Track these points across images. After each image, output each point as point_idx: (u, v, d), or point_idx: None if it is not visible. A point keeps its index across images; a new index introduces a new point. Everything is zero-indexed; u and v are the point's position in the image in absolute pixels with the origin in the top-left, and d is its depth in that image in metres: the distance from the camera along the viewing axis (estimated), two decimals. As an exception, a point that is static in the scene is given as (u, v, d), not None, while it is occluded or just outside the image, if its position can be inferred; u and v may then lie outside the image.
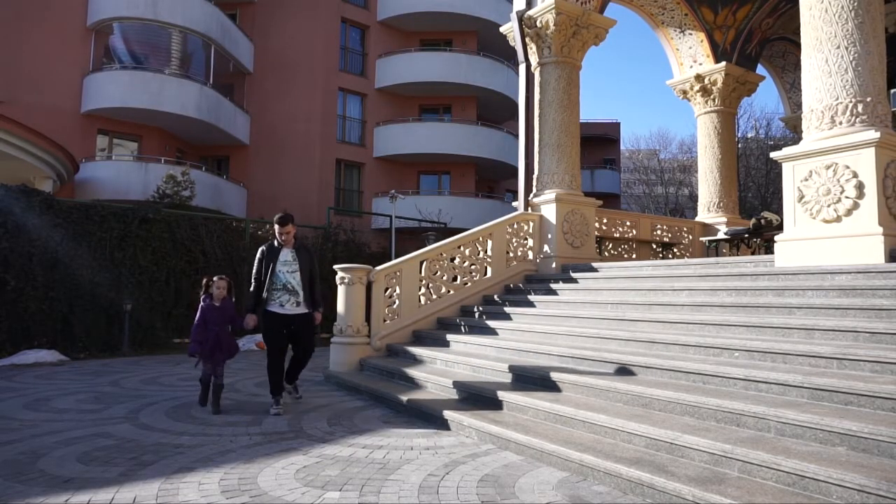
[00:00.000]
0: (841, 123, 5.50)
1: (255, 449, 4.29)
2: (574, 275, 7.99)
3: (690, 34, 11.31)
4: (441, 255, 8.22)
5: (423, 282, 8.04)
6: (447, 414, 4.95)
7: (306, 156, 21.48)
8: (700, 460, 3.39)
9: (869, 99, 5.43)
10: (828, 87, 5.59)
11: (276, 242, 5.65)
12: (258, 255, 5.67)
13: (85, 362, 9.30)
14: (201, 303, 5.59)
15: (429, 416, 5.17)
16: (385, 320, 7.70)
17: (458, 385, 5.56)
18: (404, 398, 5.59)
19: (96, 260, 10.40)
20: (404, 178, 23.53)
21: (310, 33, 21.95)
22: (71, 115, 17.86)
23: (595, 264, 8.17)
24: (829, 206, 5.53)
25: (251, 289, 5.67)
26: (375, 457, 4.09)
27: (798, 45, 6.01)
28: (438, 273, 8.17)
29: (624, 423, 3.87)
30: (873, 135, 5.24)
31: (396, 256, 9.93)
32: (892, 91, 8.60)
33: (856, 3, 5.48)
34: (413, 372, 6.27)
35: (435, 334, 7.52)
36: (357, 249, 14.81)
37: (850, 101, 5.47)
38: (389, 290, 7.78)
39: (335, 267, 7.69)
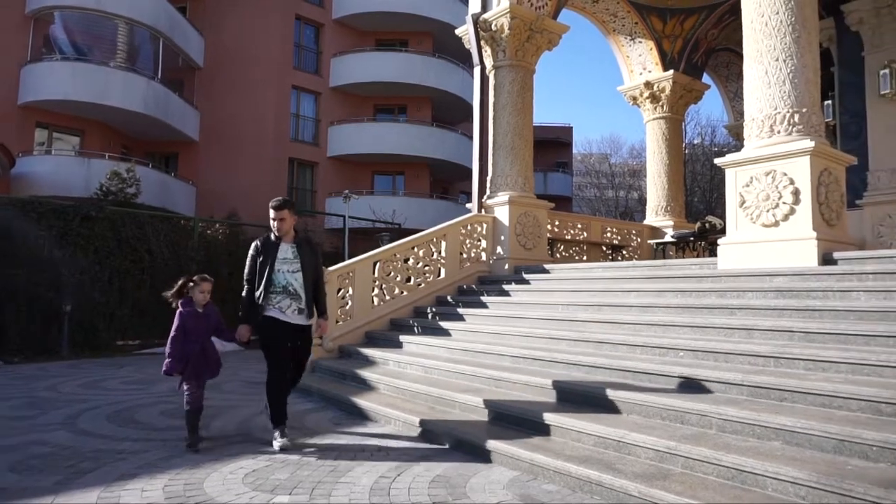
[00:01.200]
0: (779, 132, 5.74)
1: (201, 453, 4.19)
2: (526, 276, 8.09)
3: (640, 42, 11.61)
4: (395, 255, 8.20)
5: (377, 283, 8.00)
6: (396, 414, 4.94)
7: (258, 154, 21.09)
8: (646, 457, 3.48)
9: (805, 110, 5.68)
10: (767, 98, 5.83)
11: (272, 235, 4.61)
12: (251, 251, 4.61)
13: (19, 366, 8.89)
14: (179, 309, 4.45)
15: (380, 418, 5.15)
16: (337, 321, 7.63)
17: (408, 386, 5.55)
18: (356, 400, 5.55)
19: (33, 259, 9.96)
20: (358, 178, 23.35)
21: (263, 30, 21.56)
22: (6, 107, 17.04)
23: (547, 266, 8.29)
24: (768, 211, 5.76)
25: (243, 294, 4.57)
26: (326, 459, 4.05)
27: (741, 56, 6.24)
28: (392, 274, 8.14)
29: (573, 423, 3.95)
30: (808, 144, 5.49)
31: (350, 257, 9.85)
32: (826, 102, 9.02)
33: (793, 19, 5.73)
34: (365, 373, 6.24)
35: (388, 335, 7.50)
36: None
37: (788, 112, 5.71)
38: (342, 290, 7.71)
39: (287, 267, 7.56)
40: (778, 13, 5.77)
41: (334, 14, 23.50)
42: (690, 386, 4.15)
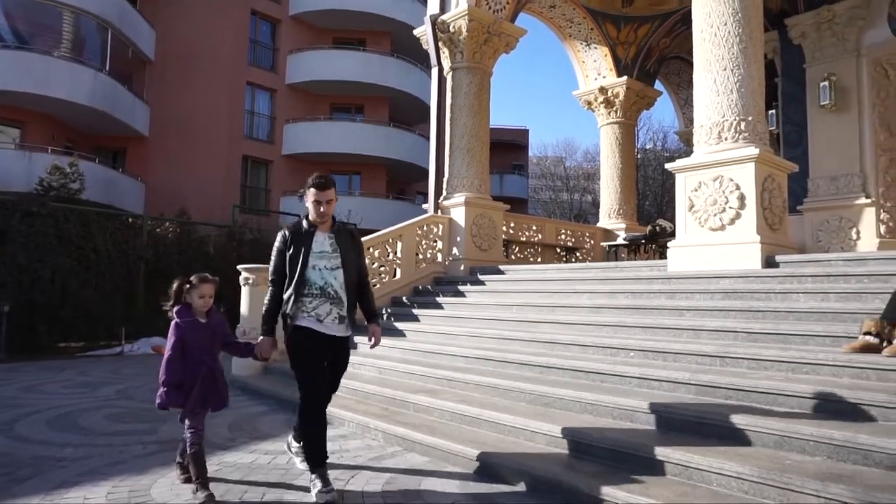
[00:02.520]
0: (726, 139, 5.93)
1: (149, 459, 4.06)
2: (482, 277, 8.14)
3: (596, 48, 11.83)
4: (350, 256, 8.12)
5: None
6: (350, 416, 4.90)
7: (211, 151, 20.60)
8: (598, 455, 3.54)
9: (750, 118, 5.89)
10: (716, 106, 6.02)
11: (304, 223, 3.60)
12: (277, 243, 3.59)
13: (-47, 369, 8.45)
14: (174, 319, 3.45)
15: (333, 420, 5.09)
16: (291, 322, 7.51)
17: (362, 387, 5.51)
18: (310, 402, 5.47)
19: (-32, 257, 9.49)
20: (314, 178, 23.07)
21: (217, 24, 21.08)
22: (-61, 97, 16.20)
23: (502, 267, 8.36)
24: (715, 215, 5.94)
25: (267, 297, 3.63)
26: (279, 462, 3.99)
27: (691, 65, 6.43)
28: (348, 274, 8.06)
29: (527, 422, 3.99)
30: (753, 151, 5.69)
31: (305, 257, 9.69)
32: (770, 112, 9.37)
33: (740, 31, 5.93)
34: (320, 375, 6.15)
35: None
36: (263, 250, 14.28)
37: (735, 119, 5.91)
38: (296, 291, 7.59)
39: (239, 267, 7.43)
40: (726, 24, 5.96)
41: (291, 10, 23.18)
42: (640, 385, 4.25)
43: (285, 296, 3.52)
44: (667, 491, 3.00)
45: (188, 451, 3.41)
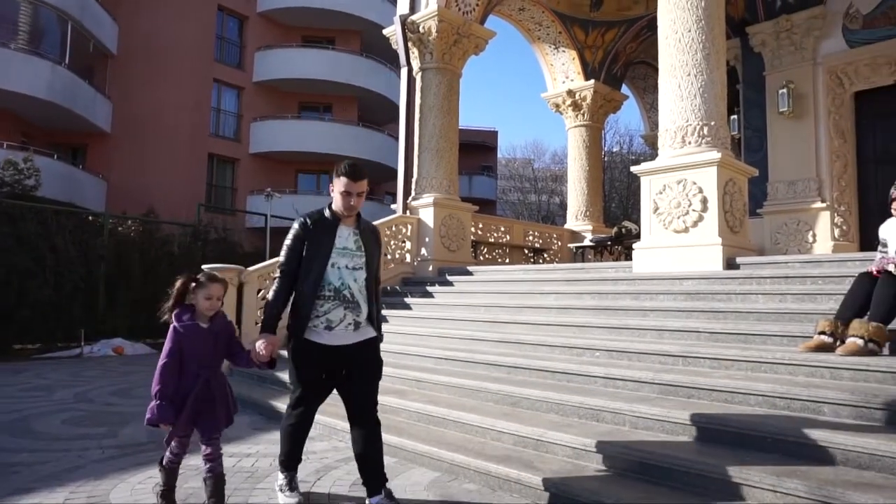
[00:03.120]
0: (690, 143, 6.06)
1: (108, 463, 3.97)
2: (450, 278, 8.16)
3: (564, 51, 11.96)
4: (318, 256, 8.06)
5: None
6: (318, 418, 4.85)
7: (176, 148, 20.23)
8: (563, 455, 3.58)
9: (713, 123, 6.03)
10: (680, 110, 6.15)
11: (328, 212, 3.19)
12: (294, 230, 3.17)
13: None
14: (173, 323, 3.02)
15: (301, 421, 5.05)
16: (257, 323, 7.41)
17: (332, 389, 5.48)
18: (276, 403, 5.41)
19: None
20: (282, 177, 22.84)
21: (183, 18, 20.71)
22: None
23: (470, 268, 8.40)
24: (679, 217, 6.07)
25: (273, 289, 3.21)
26: (243, 465, 3.93)
27: (657, 70, 6.55)
28: (315, 275, 7.99)
29: (493, 422, 4.01)
30: (716, 155, 5.83)
31: (272, 257, 9.60)
32: (732, 117, 9.61)
33: (703, 37, 6.07)
34: (286, 376, 6.08)
35: (310, 337, 7.35)
36: (229, 249, 14.15)
37: (698, 124, 6.05)
38: (263, 291, 7.51)
39: (203, 267, 7.29)
40: (690, 31, 6.09)
41: (259, 7, 22.91)
42: (606, 385, 4.31)
43: (301, 295, 3.10)
44: (630, 492, 3.05)
45: (162, 464, 3.12)
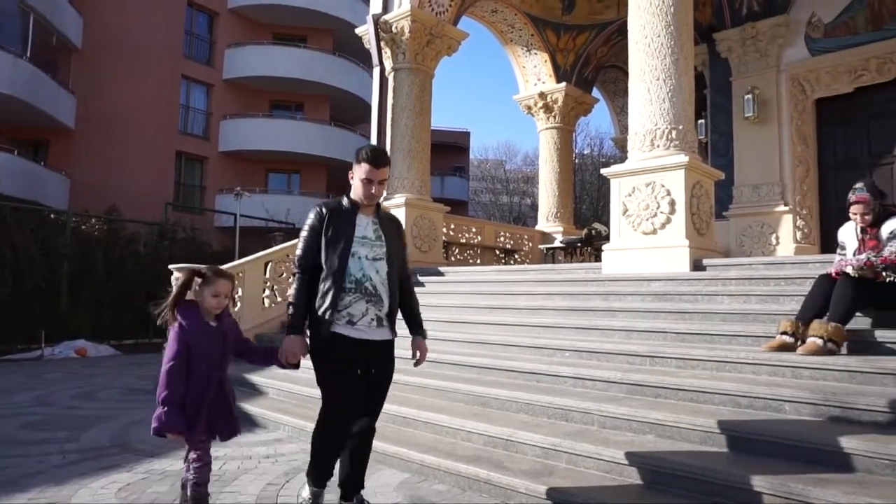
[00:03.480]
0: (659, 146, 6.16)
1: (69, 468, 3.86)
2: (421, 279, 8.14)
3: (536, 54, 12.05)
4: (288, 256, 7.99)
5: (268, 284, 7.76)
6: (287, 419, 4.82)
7: (142, 146, 19.82)
8: (533, 454, 3.61)
9: (681, 127, 6.14)
10: (649, 114, 6.24)
11: (345, 201, 3.02)
12: (311, 221, 2.97)
13: None
14: (177, 321, 2.78)
15: (269, 423, 4.99)
16: (226, 324, 7.31)
17: (299, 390, 5.42)
18: (244, 405, 5.33)
19: None
20: (252, 176, 22.56)
21: (150, 13, 20.31)
22: None
23: (442, 268, 8.40)
24: (647, 219, 6.16)
25: (294, 287, 2.94)
26: (212, 467, 3.86)
27: (627, 74, 6.65)
28: (285, 275, 7.92)
29: (463, 423, 4.02)
30: (684, 158, 5.93)
31: (241, 257, 9.48)
32: (699, 121, 9.80)
33: (672, 42, 6.17)
34: (255, 378, 6.02)
35: (279, 338, 7.22)
36: (197, 248, 13.91)
37: (667, 128, 6.15)
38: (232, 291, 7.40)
39: (171, 267, 7.16)
40: (659, 36, 6.19)
41: (230, 3, 22.61)
42: (575, 385, 4.35)
43: (321, 289, 2.85)
44: (599, 491, 3.08)
45: (190, 493, 2.79)
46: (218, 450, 4.27)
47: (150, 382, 7.10)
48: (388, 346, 2.99)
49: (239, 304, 7.42)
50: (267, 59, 22.37)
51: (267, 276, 7.75)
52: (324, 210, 2.96)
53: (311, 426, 4.52)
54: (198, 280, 2.86)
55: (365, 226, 2.96)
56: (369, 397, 2.96)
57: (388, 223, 3.06)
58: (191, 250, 13.42)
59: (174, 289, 2.85)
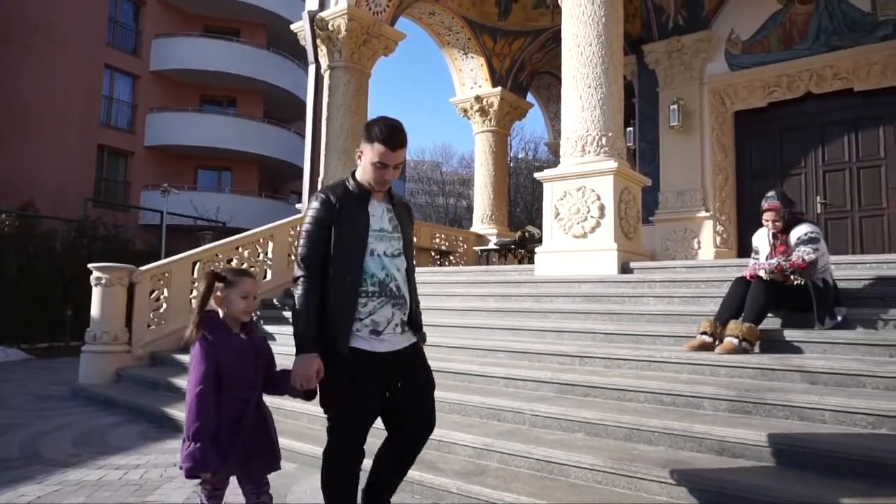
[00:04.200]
0: (590, 152, 6.35)
1: (-28, 480, 3.61)
2: (357, 279, 8.08)
3: (472, 57, 12.17)
4: (217, 255, 7.74)
5: (196, 284, 7.49)
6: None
7: (61, 138, 18.71)
8: (465, 455, 3.64)
9: (611, 134, 6.35)
10: (581, 120, 6.42)
11: (351, 184, 2.50)
12: (314, 213, 2.42)
13: None
14: (202, 336, 2.32)
15: (196, 429, 4.83)
16: (150, 325, 7.02)
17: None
18: (170, 410, 5.14)
19: None
20: (180, 172, 21.72)
21: (70, -2, 19.22)
22: None
23: (378, 270, 8.34)
24: (578, 223, 6.34)
25: (299, 293, 2.38)
26: (131, 477, 3.70)
27: (560, 80, 6.81)
28: (214, 275, 7.67)
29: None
30: (613, 164, 6.14)
31: (167, 256, 9.12)
32: (628, 129, 10.15)
33: (603, 52, 6.38)
34: (181, 382, 5.80)
35: (208, 340, 7.05)
36: (120, 247, 13.25)
37: (597, 134, 6.34)
38: (156, 292, 7.11)
39: (91, 266, 6.81)
40: (591, 45, 6.38)
41: (157, -8, 21.71)
42: (507, 385, 4.42)
43: (335, 294, 2.35)
44: (529, 488, 3.15)
45: None
46: (140, 457, 4.12)
47: (65, 388, 6.73)
48: (416, 350, 2.56)
49: (165, 305, 7.14)
50: (197, 51, 21.60)
51: (195, 275, 7.48)
52: (332, 197, 2.41)
53: (239, 431, 4.44)
54: (219, 284, 2.39)
55: (380, 215, 2.48)
56: (415, 413, 2.52)
57: (402, 209, 2.59)
58: (112, 249, 12.76)
59: (196, 300, 2.38)
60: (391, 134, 2.40)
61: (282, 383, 2.51)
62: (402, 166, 2.50)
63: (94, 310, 6.72)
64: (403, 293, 2.48)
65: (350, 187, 2.48)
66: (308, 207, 2.46)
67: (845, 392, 3.39)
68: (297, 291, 2.37)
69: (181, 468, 2.26)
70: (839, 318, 4.19)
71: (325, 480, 2.47)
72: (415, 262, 2.68)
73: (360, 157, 2.50)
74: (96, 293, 6.71)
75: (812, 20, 8.80)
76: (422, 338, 2.63)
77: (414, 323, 2.56)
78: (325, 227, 2.39)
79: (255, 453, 2.39)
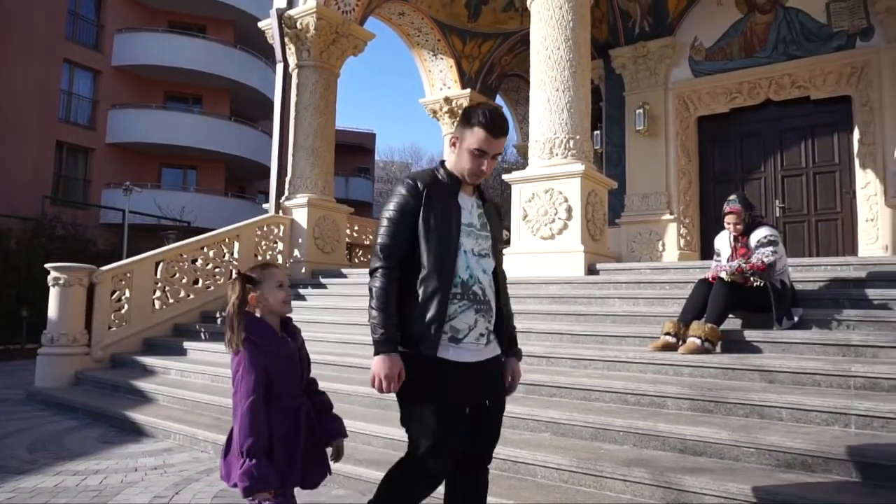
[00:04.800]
0: (557, 155, 6.41)
1: (-80, 488, 3.48)
2: (323, 280, 8.02)
3: (442, 59, 12.19)
4: (181, 255, 7.60)
5: (160, 285, 7.35)
6: (177, 427, 4.58)
7: (16, 134, 18.11)
8: (432, 455, 3.64)
9: (578, 136, 6.43)
10: (549, 123, 6.48)
11: (441, 174, 2.23)
12: (398, 199, 2.15)
13: None
14: (244, 339, 2.07)
15: (158, 433, 4.73)
16: (111, 327, 6.85)
17: (192, 396, 5.17)
18: (131, 414, 5.03)
19: None
20: (143, 170, 21.23)
21: (26, -11, 18.63)
22: None
23: (345, 270, 8.30)
24: (546, 225, 6.40)
25: (377, 286, 2.09)
26: (90, 483, 3.60)
27: (529, 83, 6.87)
28: (177, 275, 7.53)
29: (364, 426, 3.99)
30: (580, 167, 6.22)
31: (129, 256, 8.92)
32: (595, 132, 10.29)
33: (571, 56, 6.45)
34: (143, 384, 5.68)
35: (170, 342, 6.91)
36: (80, 246, 12.90)
37: (565, 137, 6.41)
38: (118, 293, 6.94)
39: (48, 266, 6.62)
40: (559, 49, 6.45)
41: (120, -15, 21.19)
42: (475, 385, 4.43)
43: (422, 293, 2.07)
44: (495, 487, 3.16)
45: None
46: (99, 462, 4.02)
47: (20, 392, 6.53)
48: (498, 366, 2.25)
49: (126, 306, 6.98)
50: (162, 47, 21.13)
51: (158, 276, 7.33)
52: (419, 184, 2.15)
53: (203, 433, 4.37)
54: (248, 286, 2.18)
55: (470, 209, 2.21)
56: (482, 437, 2.21)
57: (491, 209, 2.32)
58: (71, 248, 12.42)
59: (232, 305, 2.11)
60: (494, 119, 2.15)
61: (329, 423, 2.30)
62: (497, 160, 2.21)
63: (52, 311, 6.53)
64: (489, 298, 2.17)
65: (440, 176, 2.21)
66: (392, 193, 2.19)
67: (801, 391, 3.49)
68: (375, 284, 2.10)
69: (234, 486, 2.06)
70: (796, 319, 4.32)
71: (382, 495, 2.20)
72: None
73: (453, 143, 2.20)
74: (54, 294, 6.53)
75: (771, 29, 9.05)
76: (516, 354, 2.32)
77: (504, 335, 2.24)
78: (411, 215, 2.12)
79: (310, 464, 2.19)
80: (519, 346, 2.36)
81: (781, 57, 8.93)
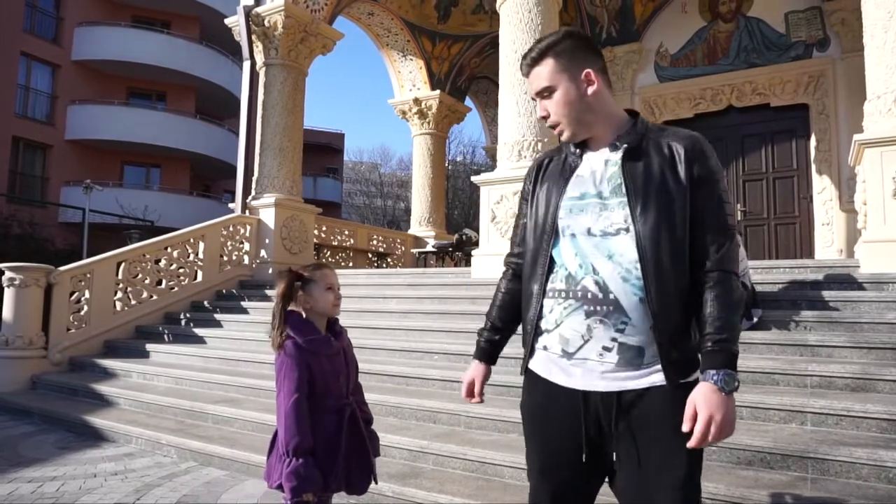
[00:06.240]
0: (526, 157, 6.46)
1: None
2: (292, 281, 7.93)
3: (411, 60, 12.18)
4: (144, 255, 7.44)
5: (121, 285, 7.17)
6: (139, 431, 4.49)
7: (-31, 128, 17.52)
8: (401, 458, 3.64)
9: (547, 139, 6.49)
10: (517, 126, 6.53)
11: (572, 145, 1.64)
12: (524, 182, 1.77)
13: None
14: (290, 339, 2.08)
15: (118, 437, 4.62)
16: (69, 329, 6.66)
17: (154, 400, 5.07)
18: (90, 418, 4.90)
19: None
20: (105, 168, 20.72)
21: (-19, -20, 18.03)
22: None
23: (314, 271, 8.22)
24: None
25: (501, 283, 1.91)
26: (46, 490, 3.50)
27: (498, 85, 6.92)
28: (140, 276, 7.37)
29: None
30: (548, 170, 6.27)
31: (90, 256, 8.69)
32: (563, 135, 10.41)
33: (540, 59, 6.50)
34: (102, 388, 5.54)
35: (132, 344, 6.76)
36: (37, 246, 12.56)
37: (534, 140, 6.47)
38: (77, 293, 6.76)
39: (2, 266, 6.40)
40: (527, 52, 6.50)
41: (81, -23, 20.65)
42: (443, 387, 4.44)
43: (525, 292, 1.68)
44: (465, 489, 3.18)
45: None
46: (56, 468, 3.91)
47: (-27, 396, 6.30)
48: (643, 404, 1.46)
49: (86, 307, 6.79)
50: (125, 42, 20.64)
51: (120, 276, 7.16)
52: (535, 163, 1.76)
53: (167, 437, 4.30)
54: (297, 284, 2.15)
55: (588, 175, 1.58)
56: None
57: (655, 150, 1.55)
58: (29, 248, 12.07)
59: (276, 305, 2.08)
60: (578, 38, 1.70)
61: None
62: (584, 88, 1.68)
63: (6, 312, 6.32)
64: (615, 297, 1.46)
65: (570, 147, 1.66)
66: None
67: (761, 389, 3.59)
68: (500, 282, 1.90)
69: (277, 487, 2.02)
70: (755, 320, 4.43)
71: None
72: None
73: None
74: (8, 294, 6.32)
75: (733, 38, 9.29)
76: (713, 379, 1.38)
77: (672, 356, 1.44)
78: (525, 200, 1.75)
79: (356, 467, 2.14)
80: (719, 369, 1.39)
81: (743, 65, 9.17)
